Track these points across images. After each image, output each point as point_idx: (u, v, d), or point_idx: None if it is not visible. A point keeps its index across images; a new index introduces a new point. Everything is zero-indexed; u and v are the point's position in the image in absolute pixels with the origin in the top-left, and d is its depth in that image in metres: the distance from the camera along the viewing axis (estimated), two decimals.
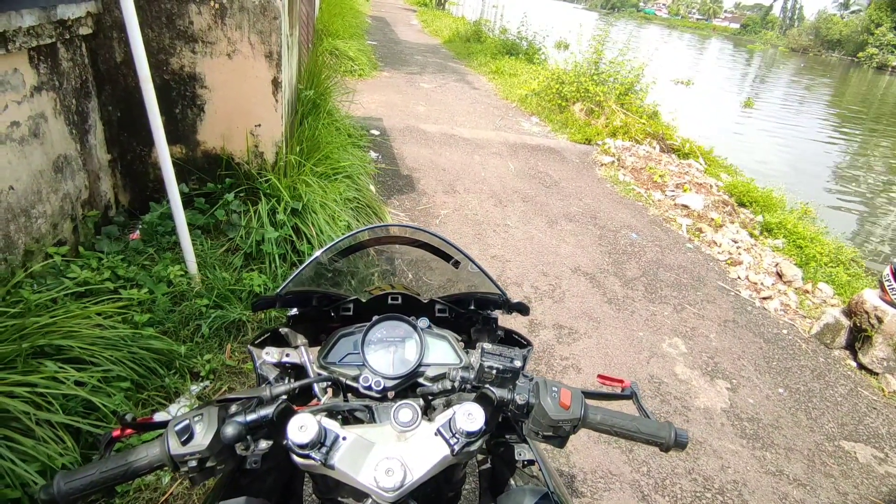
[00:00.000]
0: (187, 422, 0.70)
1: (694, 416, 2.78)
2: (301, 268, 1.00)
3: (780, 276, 4.44)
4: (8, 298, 1.95)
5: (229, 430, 0.70)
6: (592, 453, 2.43)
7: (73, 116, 2.62)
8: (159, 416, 2.03)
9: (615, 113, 7.48)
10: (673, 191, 5.78)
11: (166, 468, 0.70)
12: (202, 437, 0.69)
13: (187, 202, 2.95)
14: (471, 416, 0.75)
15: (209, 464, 0.71)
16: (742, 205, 5.92)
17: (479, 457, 1.19)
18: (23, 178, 2.25)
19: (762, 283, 4.28)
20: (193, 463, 0.69)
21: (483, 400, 0.81)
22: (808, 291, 4.31)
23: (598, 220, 4.87)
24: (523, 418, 0.84)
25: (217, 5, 2.78)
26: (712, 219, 5.25)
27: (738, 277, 4.36)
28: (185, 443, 0.69)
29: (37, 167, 2.34)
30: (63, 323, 1.92)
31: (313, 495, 1.12)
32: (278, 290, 0.96)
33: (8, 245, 2.16)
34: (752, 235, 5.17)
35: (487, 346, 0.86)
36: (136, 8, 2.24)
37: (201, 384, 2.26)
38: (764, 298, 4.13)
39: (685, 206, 5.45)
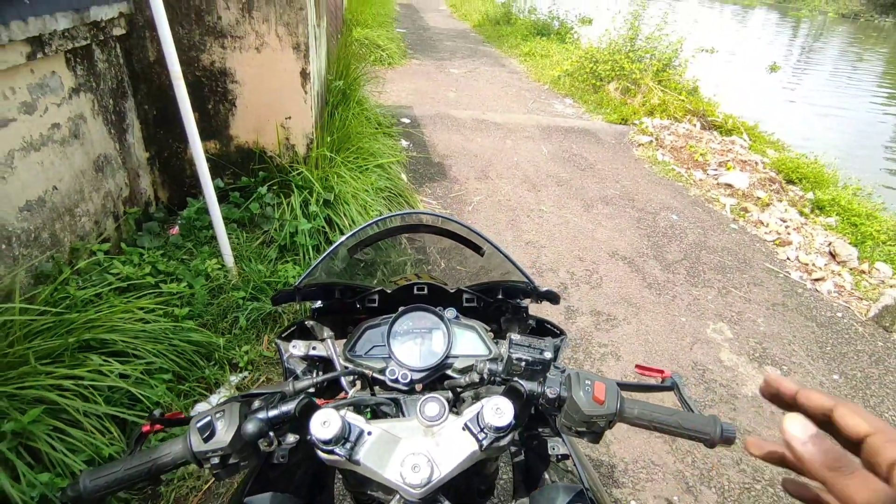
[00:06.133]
0: (209, 418, 0.69)
1: (741, 405, 2.67)
2: (318, 260, 0.98)
3: (833, 255, 4.20)
4: (55, 295, 2.02)
5: (250, 427, 0.69)
6: (633, 443, 2.36)
7: (111, 116, 2.69)
8: (200, 408, 2.08)
9: (652, 90, 7.20)
10: (715, 169, 5.54)
11: (191, 464, 0.70)
12: (224, 433, 0.68)
13: (223, 196, 3.00)
14: (499, 411, 0.72)
15: (232, 460, 0.70)
16: (791, 182, 5.62)
17: (513, 449, 1.16)
18: (65, 178, 2.32)
19: (814, 264, 4.06)
20: (216, 459, 0.68)
21: (512, 393, 0.77)
22: (864, 272, 4.06)
23: (635, 202, 4.72)
24: (555, 412, 0.79)
25: None
26: (758, 197, 5.01)
27: (788, 258, 4.14)
28: (206, 439, 0.68)
29: (78, 167, 2.41)
30: (107, 317, 1.98)
31: (344, 489, 1.11)
32: (297, 283, 0.94)
33: (54, 243, 2.24)
34: (802, 214, 4.90)
35: (516, 336, 0.82)
36: (165, 6, 2.26)
37: (240, 375, 2.30)
38: (816, 280, 3.92)
39: (729, 185, 5.21)
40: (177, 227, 2.95)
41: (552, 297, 0.99)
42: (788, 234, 4.43)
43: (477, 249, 1.06)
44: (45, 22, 2.04)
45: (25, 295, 1.96)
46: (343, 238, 0.99)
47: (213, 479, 1.92)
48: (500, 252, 0.98)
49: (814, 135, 8.67)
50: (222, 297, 2.55)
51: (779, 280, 3.83)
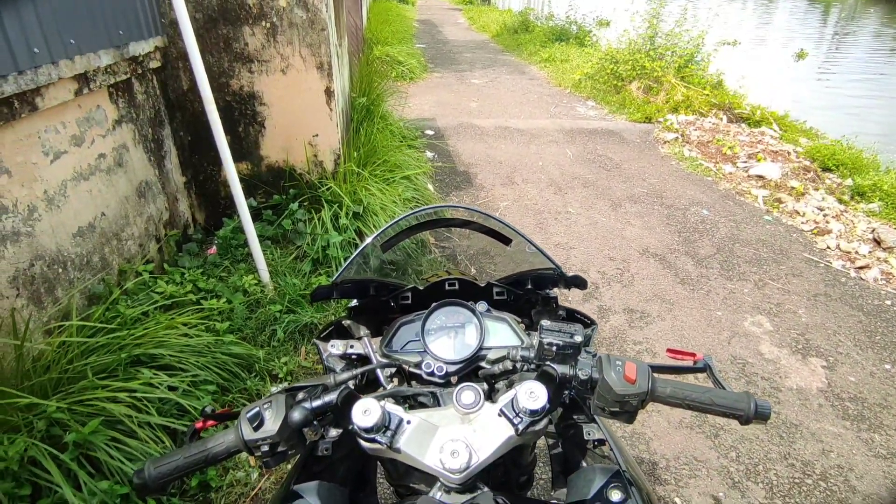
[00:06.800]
0: (258, 409, 0.74)
1: (786, 398, 2.59)
2: (353, 255, 1.03)
3: (878, 242, 4.05)
4: (107, 314, 2.14)
5: (296, 415, 0.74)
6: (674, 439, 2.33)
7: (151, 144, 2.83)
8: None
9: (675, 87, 7.11)
10: (745, 162, 5.42)
11: (242, 452, 0.75)
12: (272, 422, 0.73)
13: (256, 215, 3.11)
14: (533, 395, 0.74)
15: (280, 448, 0.74)
16: (827, 169, 5.45)
17: (551, 441, 1.17)
18: (112, 204, 2.46)
19: (857, 252, 3.92)
20: (265, 447, 0.73)
21: (545, 377, 0.79)
22: None
23: (664, 199, 4.66)
24: (588, 395, 0.81)
25: (268, 24, 2.91)
26: (792, 187, 4.87)
27: (828, 247, 4.01)
28: (256, 429, 0.72)
29: (123, 193, 2.55)
30: (154, 333, 2.08)
31: (386, 482, 1.14)
32: (333, 279, 0.99)
33: (104, 266, 2.37)
34: (841, 201, 4.74)
35: (546, 322, 0.84)
36: (196, 36, 2.39)
37: (280, 385, 2.37)
38: (860, 268, 3.78)
39: (760, 177, 5.09)
40: (214, 247, 3.07)
41: (579, 283, 1.01)
42: (827, 222, 4.30)
43: (504, 240, 1.09)
44: (90, 59, 2.18)
45: (81, 315, 2.07)
46: (374, 235, 1.03)
47: (261, 475, 1.98)
48: (525, 239, 1.01)
49: (851, 120, 8.38)
50: (260, 311, 2.64)
51: (819, 270, 3.72)
